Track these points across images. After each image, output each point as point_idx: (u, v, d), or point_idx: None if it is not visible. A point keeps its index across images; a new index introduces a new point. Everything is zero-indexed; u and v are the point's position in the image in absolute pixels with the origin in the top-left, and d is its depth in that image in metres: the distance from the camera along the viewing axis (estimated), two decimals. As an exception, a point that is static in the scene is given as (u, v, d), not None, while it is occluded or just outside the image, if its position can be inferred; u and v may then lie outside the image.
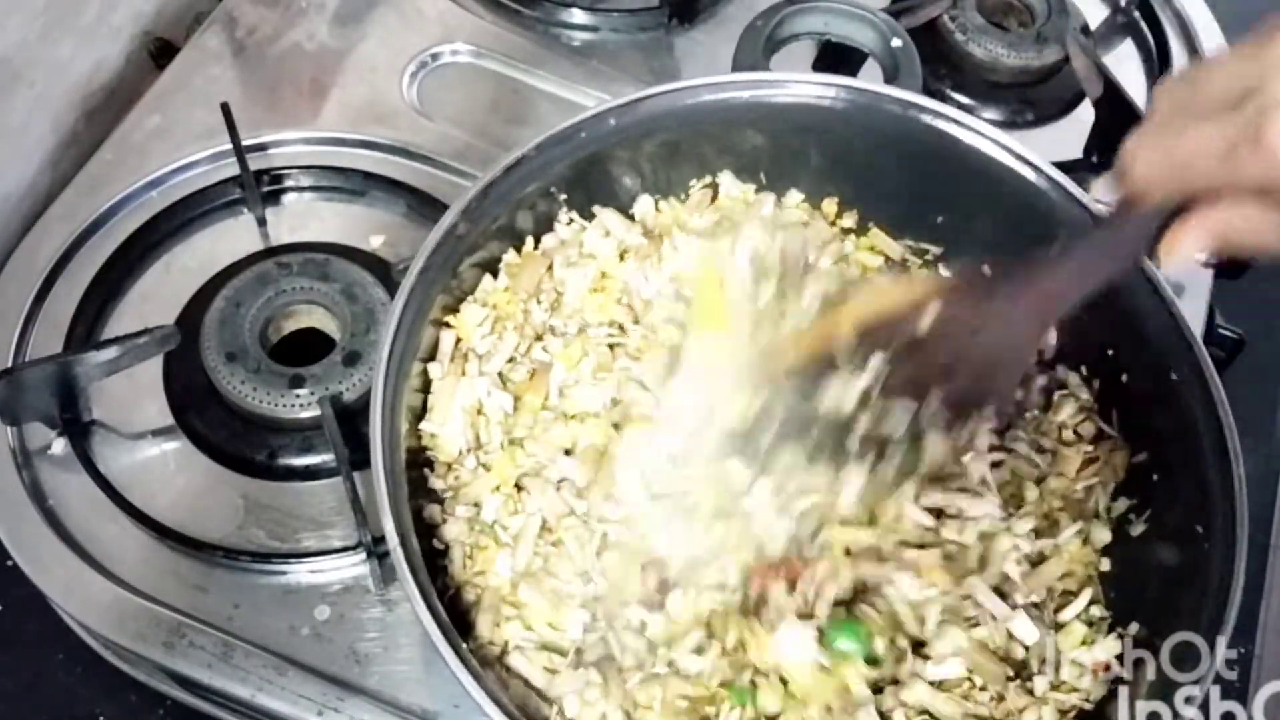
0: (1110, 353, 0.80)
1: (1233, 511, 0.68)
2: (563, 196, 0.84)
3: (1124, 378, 0.79)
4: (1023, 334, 0.65)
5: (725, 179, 0.88)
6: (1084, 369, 0.82)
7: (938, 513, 0.76)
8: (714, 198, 0.88)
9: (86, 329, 0.88)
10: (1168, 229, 0.57)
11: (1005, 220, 0.83)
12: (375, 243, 0.94)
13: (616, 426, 0.77)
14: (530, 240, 0.84)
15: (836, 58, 1.07)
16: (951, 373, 0.64)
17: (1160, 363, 0.75)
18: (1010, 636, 0.72)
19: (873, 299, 0.68)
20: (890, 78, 1.01)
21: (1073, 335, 0.82)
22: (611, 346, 0.81)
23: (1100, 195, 0.78)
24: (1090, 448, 0.80)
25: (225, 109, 0.94)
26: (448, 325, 0.79)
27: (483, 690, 0.61)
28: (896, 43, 1.03)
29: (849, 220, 0.89)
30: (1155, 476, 0.76)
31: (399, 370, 0.72)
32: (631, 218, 0.87)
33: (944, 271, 0.88)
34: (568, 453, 0.77)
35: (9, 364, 0.85)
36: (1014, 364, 0.67)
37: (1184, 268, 0.60)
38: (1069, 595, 0.75)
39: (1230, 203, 0.54)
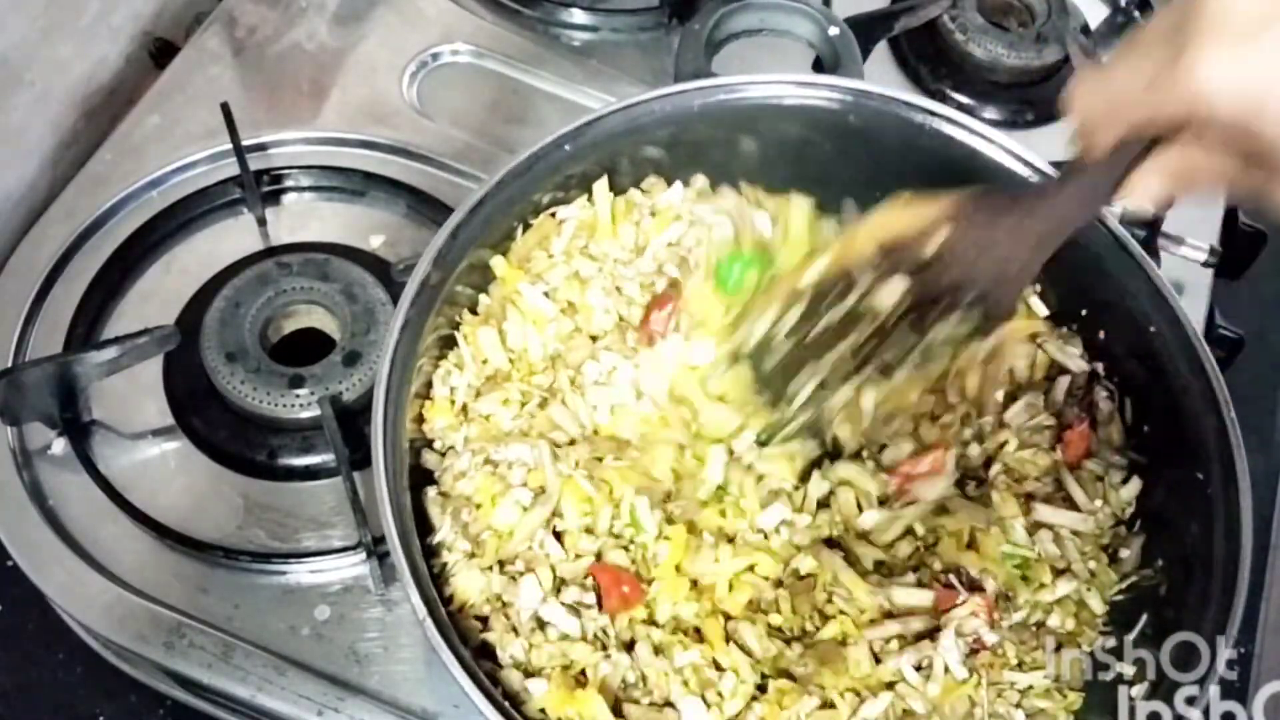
0: (1113, 351, 0.80)
1: (1237, 512, 0.68)
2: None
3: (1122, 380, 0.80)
4: (1028, 251, 0.64)
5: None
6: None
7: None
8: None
9: (86, 329, 0.88)
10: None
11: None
12: (375, 243, 0.94)
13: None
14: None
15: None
16: (961, 288, 0.65)
17: (1163, 363, 0.75)
18: None
19: (889, 219, 0.68)
20: (831, 67, 1.01)
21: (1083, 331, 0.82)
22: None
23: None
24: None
25: (225, 109, 0.94)
26: None
27: (481, 692, 0.61)
28: (834, 31, 1.02)
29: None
30: (1157, 476, 0.76)
31: (401, 373, 0.72)
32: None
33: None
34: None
35: (9, 364, 0.85)
36: (1019, 279, 0.66)
37: (1142, 203, 0.61)
38: None
39: (1187, 144, 0.55)
